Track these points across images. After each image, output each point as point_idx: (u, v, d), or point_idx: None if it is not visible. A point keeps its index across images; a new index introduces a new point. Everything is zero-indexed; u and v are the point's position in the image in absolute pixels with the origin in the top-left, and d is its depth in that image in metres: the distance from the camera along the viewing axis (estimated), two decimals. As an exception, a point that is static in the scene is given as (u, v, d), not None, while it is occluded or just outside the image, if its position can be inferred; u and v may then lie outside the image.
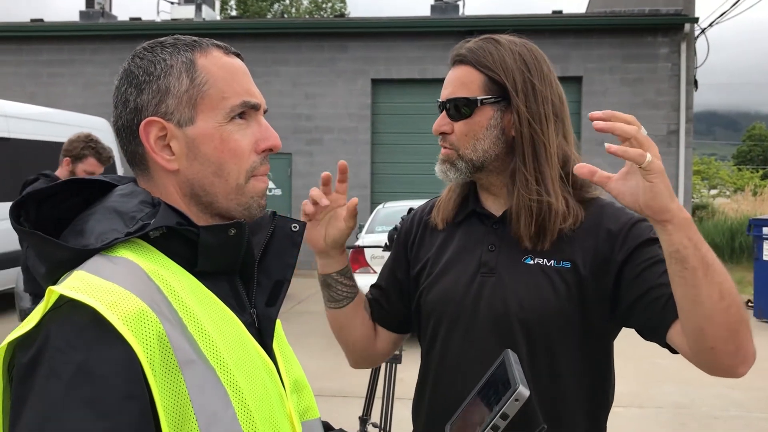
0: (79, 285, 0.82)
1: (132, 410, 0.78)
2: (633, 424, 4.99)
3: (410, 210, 1.73)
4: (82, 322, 0.79)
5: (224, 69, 0.97)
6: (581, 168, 1.15)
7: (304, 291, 9.92)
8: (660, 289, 1.27)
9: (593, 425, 1.42)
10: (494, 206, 1.48)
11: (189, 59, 0.96)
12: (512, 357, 1.10)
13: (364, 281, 7.51)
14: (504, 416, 1.00)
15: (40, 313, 0.81)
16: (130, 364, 0.79)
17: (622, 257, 1.34)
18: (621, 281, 1.34)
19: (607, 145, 1.12)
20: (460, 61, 1.42)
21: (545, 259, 1.39)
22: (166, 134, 0.95)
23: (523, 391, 0.99)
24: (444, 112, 1.43)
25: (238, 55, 1.02)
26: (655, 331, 1.30)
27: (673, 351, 1.31)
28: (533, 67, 1.39)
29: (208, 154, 0.96)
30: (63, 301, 0.81)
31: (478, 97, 1.38)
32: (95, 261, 0.87)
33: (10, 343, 0.82)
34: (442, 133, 1.43)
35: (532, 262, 1.39)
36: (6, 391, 0.84)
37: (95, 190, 0.98)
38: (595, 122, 1.11)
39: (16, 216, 0.91)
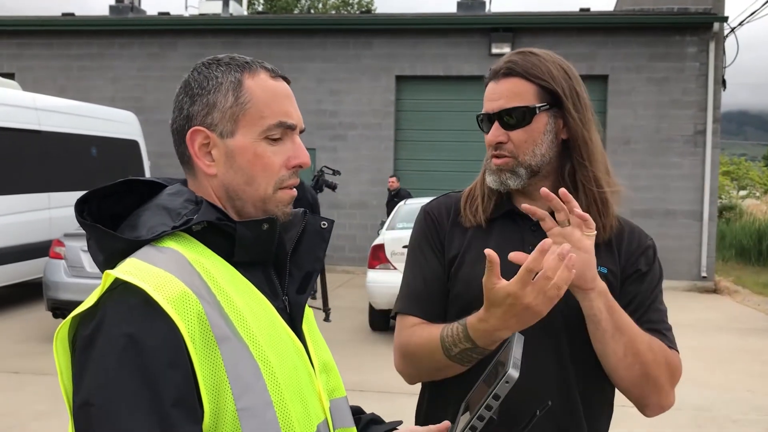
0: (131, 270, 0.94)
1: (176, 377, 0.89)
2: (650, 425, 4.97)
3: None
4: (133, 301, 0.91)
5: (267, 91, 1.08)
6: (529, 209, 1.36)
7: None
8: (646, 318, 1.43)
9: (610, 414, 1.54)
10: None
11: (237, 79, 1.07)
12: (515, 339, 1.15)
13: (384, 278, 7.54)
14: (496, 397, 1.05)
15: (99, 293, 0.94)
16: (174, 337, 0.90)
17: (625, 275, 1.48)
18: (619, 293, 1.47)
19: (576, 210, 1.32)
20: (508, 73, 1.46)
21: None
22: (209, 142, 1.07)
23: (513, 373, 1.04)
24: (496, 123, 1.46)
25: (285, 79, 1.12)
26: None
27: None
28: (572, 75, 1.48)
29: (242, 164, 1.07)
30: (118, 284, 0.93)
31: (537, 105, 1.44)
32: (145, 250, 0.99)
33: (73, 318, 0.95)
34: (499, 143, 1.46)
35: None
36: (71, 359, 0.96)
37: (149, 189, 1.11)
38: (543, 191, 1.32)
39: (80, 211, 1.04)
